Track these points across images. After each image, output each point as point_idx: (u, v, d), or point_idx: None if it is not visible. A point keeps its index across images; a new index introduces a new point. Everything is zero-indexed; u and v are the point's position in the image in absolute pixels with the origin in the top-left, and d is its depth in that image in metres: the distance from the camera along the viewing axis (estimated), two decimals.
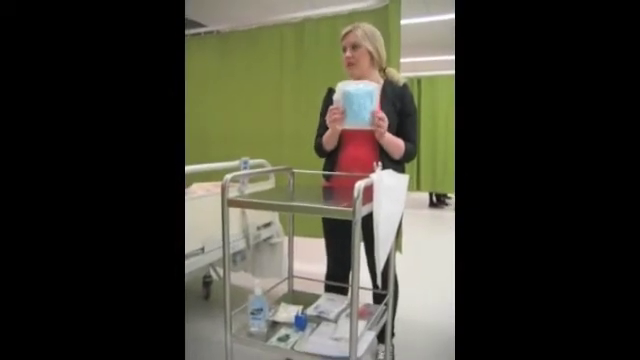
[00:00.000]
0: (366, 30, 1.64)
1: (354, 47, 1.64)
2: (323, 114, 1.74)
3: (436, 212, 6.09)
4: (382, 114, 1.51)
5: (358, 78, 1.66)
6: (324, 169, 1.76)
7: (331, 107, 1.54)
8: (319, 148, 1.75)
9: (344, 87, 1.50)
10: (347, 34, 1.66)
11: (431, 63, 6.30)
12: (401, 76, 1.73)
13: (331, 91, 1.75)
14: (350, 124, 1.52)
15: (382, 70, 1.76)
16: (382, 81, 1.71)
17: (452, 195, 6.47)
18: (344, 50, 1.68)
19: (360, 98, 1.47)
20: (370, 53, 1.65)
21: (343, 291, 1.79)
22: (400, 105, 1.66)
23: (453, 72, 5.20)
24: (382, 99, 1.63)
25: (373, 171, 1.25)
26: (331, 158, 1.73)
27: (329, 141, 1.68)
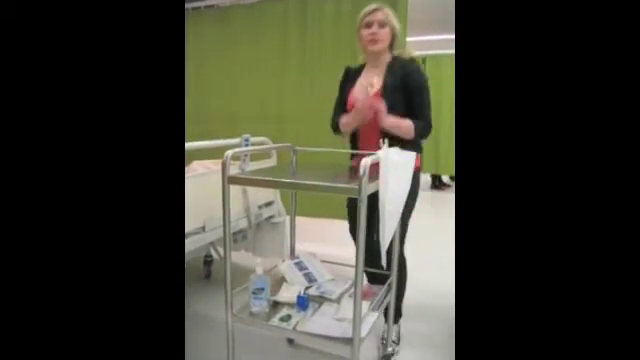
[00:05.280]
0: (389, 12, 1.66)
1: (381, 25, 1.63)
2: (340, 92, 1.79)
3: (438, 194, 6.07)
4: (376, 102, 1.53)
5: (377, 55, 1.67)
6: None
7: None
8: (336, 128, 1.77)
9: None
10: (374, 11, 1.64)
11: (436, 42, 6.16)
12: (411, 50, 1.71)
13: (349, 70, 1.78)
14: None
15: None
16: (390, 58, 1.68)
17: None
18: (367, 26, 1.65)
19: None
20: (393, 34, 1.66)
21: (371, 278, 1.74)
22: (408, 81, 1.62)
23: None
24: (387, 76, 1.60)
25: (379, 148, 1.21)
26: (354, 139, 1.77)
27: (346, 130, 1.72)
